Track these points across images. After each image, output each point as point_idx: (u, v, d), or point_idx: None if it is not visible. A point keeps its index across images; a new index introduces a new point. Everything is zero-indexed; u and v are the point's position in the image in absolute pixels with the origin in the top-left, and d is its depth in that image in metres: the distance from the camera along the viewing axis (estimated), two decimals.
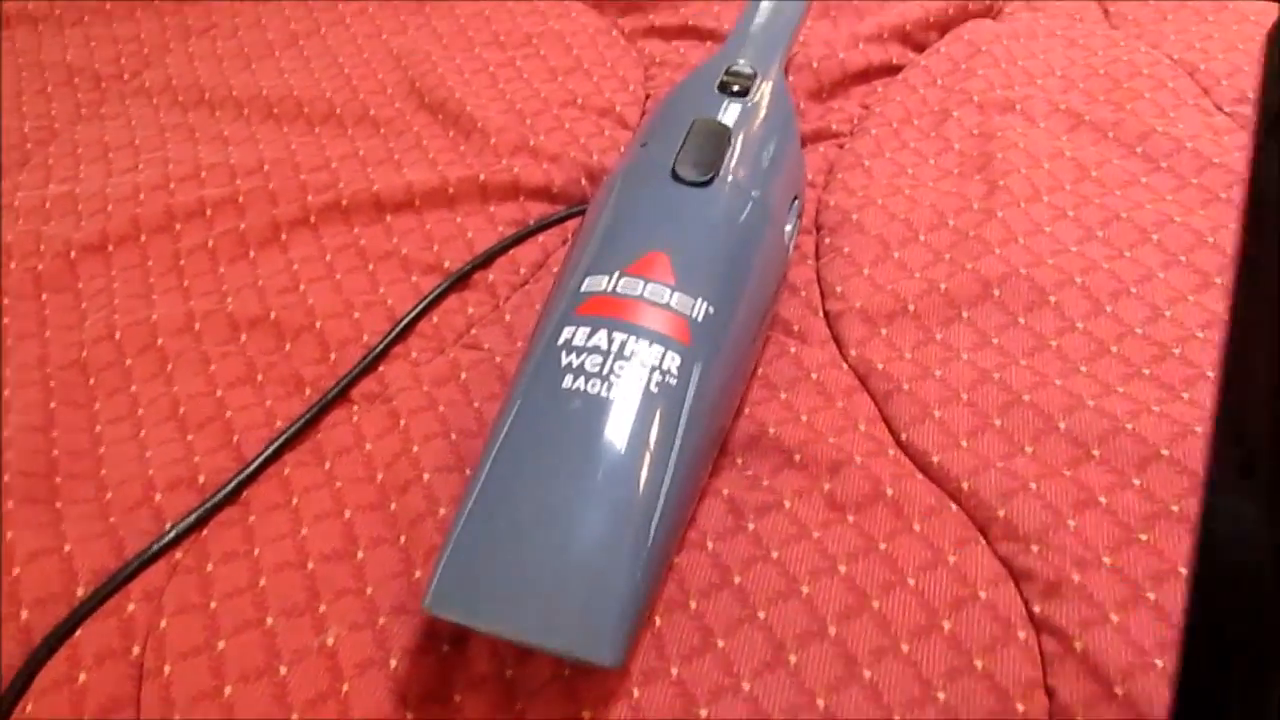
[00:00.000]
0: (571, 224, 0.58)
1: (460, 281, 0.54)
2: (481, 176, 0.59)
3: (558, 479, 0.37)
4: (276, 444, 0.45)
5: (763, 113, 0.52)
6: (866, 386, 0.47)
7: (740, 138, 0.49)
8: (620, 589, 0.35)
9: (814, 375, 0.47)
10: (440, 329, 0.52)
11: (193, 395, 0.48)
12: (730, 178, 0.47)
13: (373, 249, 0.56)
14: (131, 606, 0.40)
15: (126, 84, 0.72)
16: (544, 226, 0.57)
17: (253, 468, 0.44)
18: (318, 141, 0.64)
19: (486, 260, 0.55)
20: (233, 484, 0.44)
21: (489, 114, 0.64)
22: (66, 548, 0.42)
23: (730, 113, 0.50)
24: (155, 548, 0.41)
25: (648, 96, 0.67)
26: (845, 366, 0.48)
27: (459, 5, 0.75)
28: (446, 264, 0.55)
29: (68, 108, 0.71)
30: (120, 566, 0.41)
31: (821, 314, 0.51)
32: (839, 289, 0.51)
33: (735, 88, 0.52)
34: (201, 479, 0.44)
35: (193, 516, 0.42)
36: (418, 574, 0.40)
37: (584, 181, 0.60)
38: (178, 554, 0.42)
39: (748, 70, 0.53)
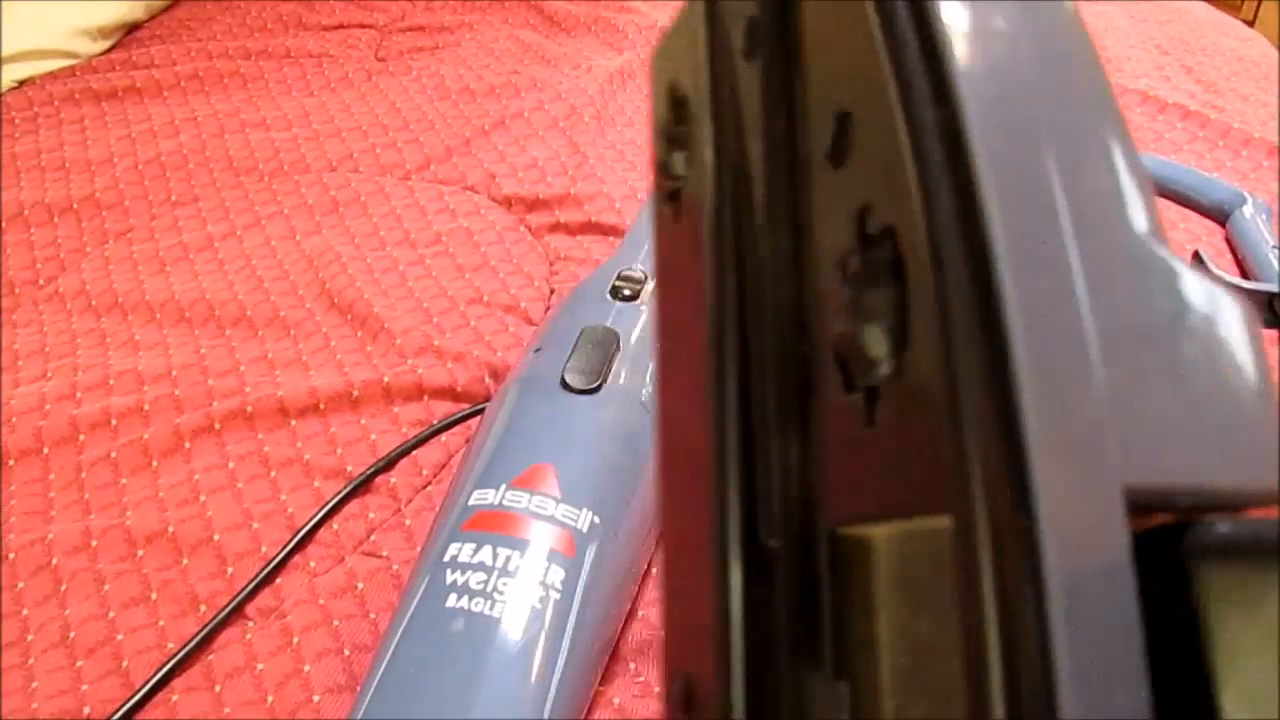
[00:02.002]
0: (474, 423, 0.59)
1: (362, 486, 0.54)
2: (386, 378, 0.60)
3: (440, 705, 0.37)
4: (164, 669, 0.45)
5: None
6: None
7: (630, 342, 0.51)
8: None
9: None
10: (340, 536, 0.52)
11: (85, 618, 0.48)
12: (621, 382, 0.49)
13: (276, 455, 0.56)
14: None
15: (41, 290, 0.73)
16: (445, 427, 0.58)
17: (137, 697, 0.44)
18: (228, 344, 0.65)
19: (389, 464, 0.56)
20: (116, 716, 0.43)
21: (396, 314, 0.65)
22: None
23: (621, 318, 0.52)
24: None
25: (552, 291, 0.69)
26: None
27: (373, 205, 0.78)
28: (349, 468, 0.55)
29: None
30: None
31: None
32: None
33: (626, 292, 0.54)
34: (87, 710, 0.44)
35: None
36: None
37: (488, 379, 0.61)
38: None
39: (638, 274, 0.56)
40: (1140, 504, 0.12)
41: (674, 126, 0.19)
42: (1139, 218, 0.15)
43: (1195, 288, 0.15)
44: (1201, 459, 0.13)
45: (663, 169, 0.19)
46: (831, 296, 0.15)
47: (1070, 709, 0.11)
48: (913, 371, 0.13)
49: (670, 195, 0.19)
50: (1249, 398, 0.14)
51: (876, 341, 0.14)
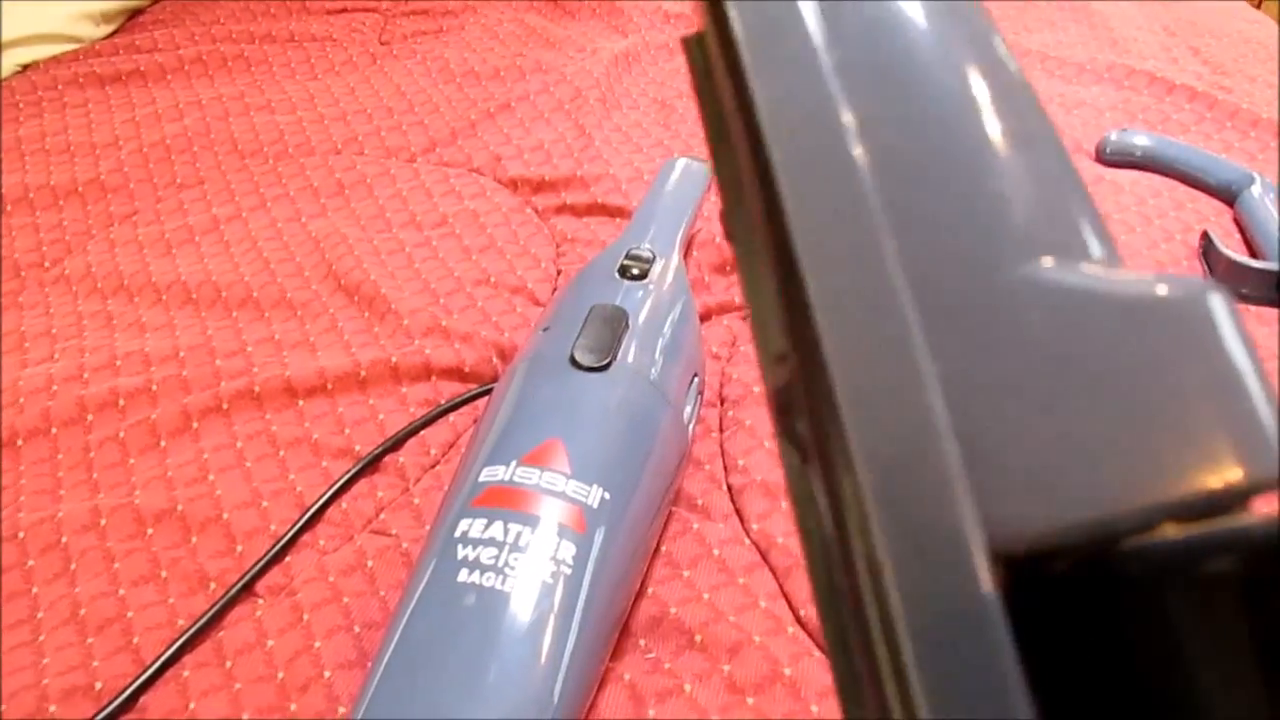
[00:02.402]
0: (482, 403, 0.59)
1: (370, 466, 0.54)
2: (394, 358, 0.60)
3: (452, 679, 0.37)
4: (175, 646, 0.45)
5: (661, 294, 0.54)
6: (767, 561, 0.48)
7: (638, 321, 0.51)
8: None
9: (716, 551, 0.48)
10: (349, 515, 0.52)
11: (94, 596, 0.48)
12: (629, 361, 0.48)
13: (284, 435, 0.56)
14: None
15: (47, 272, 0.73)
16: (453, 407, 0.58)
17: (149, 672, 0.44)
18: (235, 326, 0.65)
19: (397, 443, 0.56)
20: (128, 691, 0.43)
21: (403, 295, 0.65)
22: None
23: (629, 297, 0.52)
24: None
25: (559, 273, 0.69)
26: (747, 542, 0.49)
27: (378, 187, 0.78)
28: (357, 448, 0.55)
29: None
30: None
31: (725, 488, 0.52)
32: (741, 462, 0.53)
33: (635, 271, 0.54)
34: (98, 686, 0.44)
35: None
36: None
37: (495, 360, 0.61)
38: None
39: (647, 253, 0.55)
40: (1021, 552, 0.12)
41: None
42: (1006, 242, 0.14)
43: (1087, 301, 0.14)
44: (1119, 476, 0.13)
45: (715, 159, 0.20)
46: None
47: None
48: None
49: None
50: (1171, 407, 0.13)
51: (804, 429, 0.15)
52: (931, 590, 0.12)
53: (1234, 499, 0.12)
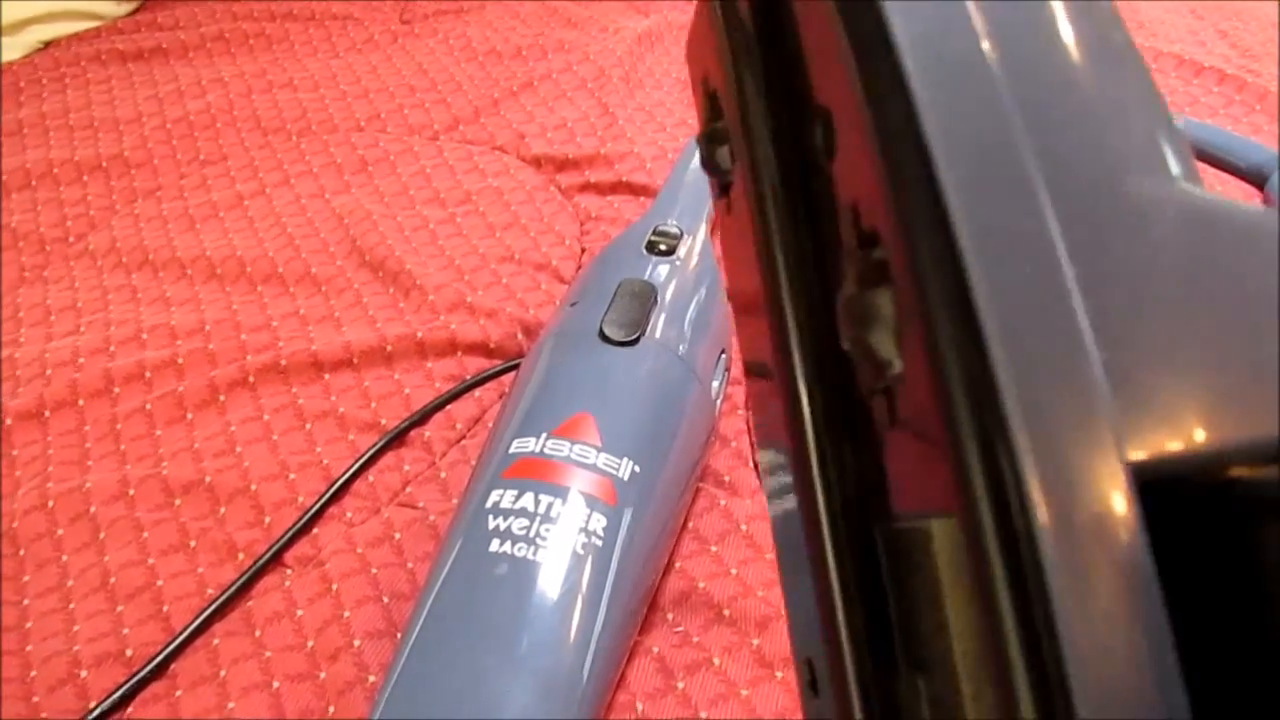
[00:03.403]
0: (508, 378, 0.59)
1: (396, 439, 0.54)
2: (419, 334, 0.60)
3: (483, 648, 0.37)
4: (205, 614, 0.45)
5: (689, 270, 0.54)
6: None
7: (666, 296, 0.51)
8: None
9: (743, 527, 0.48)
10: (376, 488, 0.52)
11: (124, 564, 0.48)
12: (657, 336, 0.48)
13: (310, 408, 0.56)
14: None
15: (72, 246, 0.74)
16: (479, 382, 0.58)
17: (180, 640, 0.44)
18: (259, 300, 0.65)
19: (423, 417, 0.56)
20: (159, 657, 0.43)
21: (428, 271, 0.65)
22: None
23: (657, 272, 0.52)
24: None
25: (583, 251, 0.69)
26: None
27: (401, 164, 0.78)
28: (383, 422, 0.55)
29: (11, 271, 0.72)
30: None
31: (752, 464, 0.52)
32: None
33: (662, 247, 0.54)
34: (129, 652, 0.44)
35: (117, 693, 0.42)
36: None
37: (520, 336, 0.61)
38: None
39: (674, 229, 0.55)
40: (1161, 474, 0.12)
41: (714, 123, 0.19)
42: (1138, 157, 0.14)
43: (1222, 221, 0.14)
44: (1223, 413, 0.12)
45: (711, 165, 0.19)
46: (848, 295, 0.15)
47: (1086, 708, 0.11)
48: (911, 375, 0.13)
49: (722, 189, 0.19)
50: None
51: (884, 342, 0.14)
52: (1075, 503, 0.11)
53: None
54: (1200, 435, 0.12)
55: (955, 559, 0.13)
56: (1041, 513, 0.11)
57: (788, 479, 0.17)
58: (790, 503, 0.17)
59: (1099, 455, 0.12)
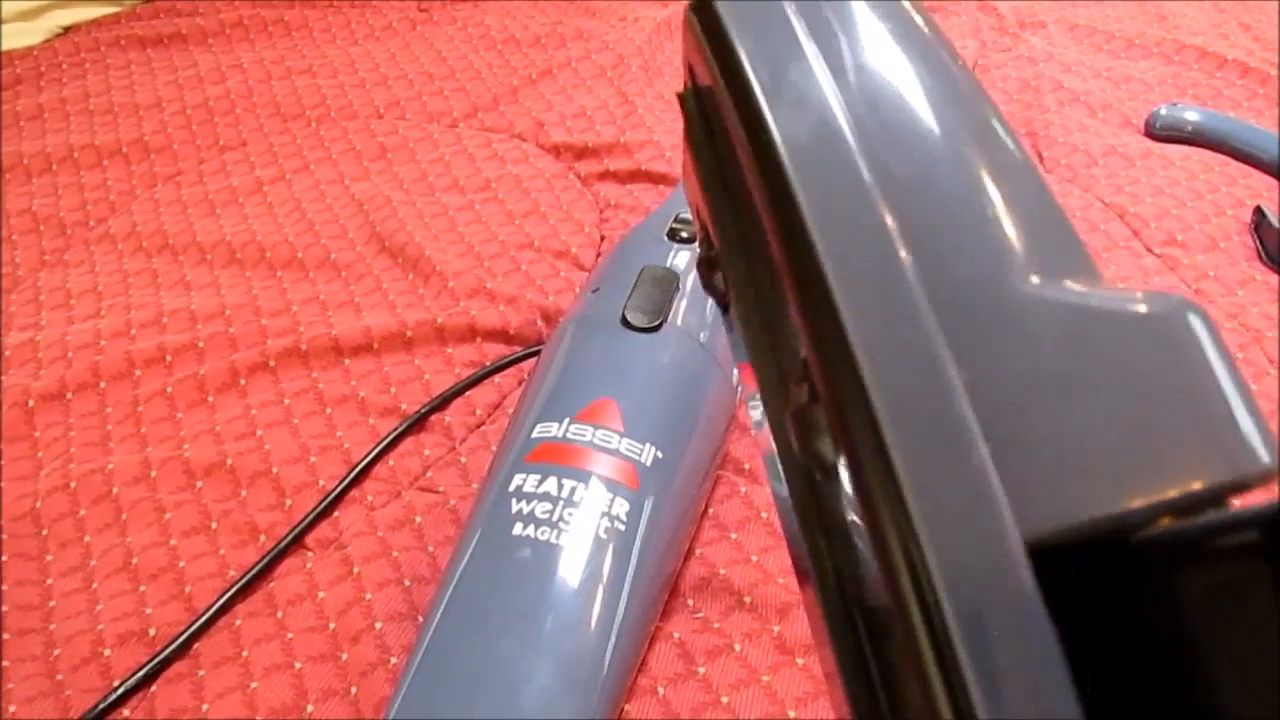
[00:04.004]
0: (528, 364, 0.59)
1: (417, 424, 0.55)
2: (439, 319, 0.60)
3: (507, 630, 0.37)
4: (227, 595, 0.45)
5: None
6: None
7: (688, 283, 0.51)
8: None
9: (764, 515, 0.48)
10: (396, 472, 0.52)
11: (146, 545, 0.48)
12: (678, 323, 0.48)
13: (331, 392, 0.56)
14: None
15: (92, 231, 0.74)
16: (499, 368, 0.58)
17: (203, 620, 0.44)
18: (279, 286, 0.66)
19: (443, 402, 0.56)
20: (182, 637, 0.43)
21: (447, 257, 0.65)
22: (12, 709, 0.41)
23: (678, 259, 0.52)
24: (101, 706, 0.41)
25: (603, 239, 0.69)
26: None
27: (420, 151, 0.78)
28: (403, 406, 0.56)
29: (32, 255, 0.72)
30: None
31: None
32: None
33: (683, 234, 0.54)
34: (152, 632, 0.44)
35: (141, 672, 0.42)
36: None
37: (540, 323, 0.61)
38: (125, 711, 0.41)
39: None
40: (1061, 543, 0.13)
41: (708, 251, 0.22)
42: (1014, 261, 0.16)
43: (1091, 312, 0.15)
44: (1118, 479, 0.14)
45: (710, 288, 0.22)
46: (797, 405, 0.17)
47: None
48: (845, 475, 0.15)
49: (724, 309, 0.22)
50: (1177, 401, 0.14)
51: (826, 448, 0.16)
52: (976, 580, 0.13)
53: (1216, 495, 0.14)
54: (1069, 507, 0.14)
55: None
56: (939, 583, 0.13)
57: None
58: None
59: (987, 532, 0.13)
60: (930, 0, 0.92)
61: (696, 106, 0.20)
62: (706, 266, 0.21)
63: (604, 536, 0.40)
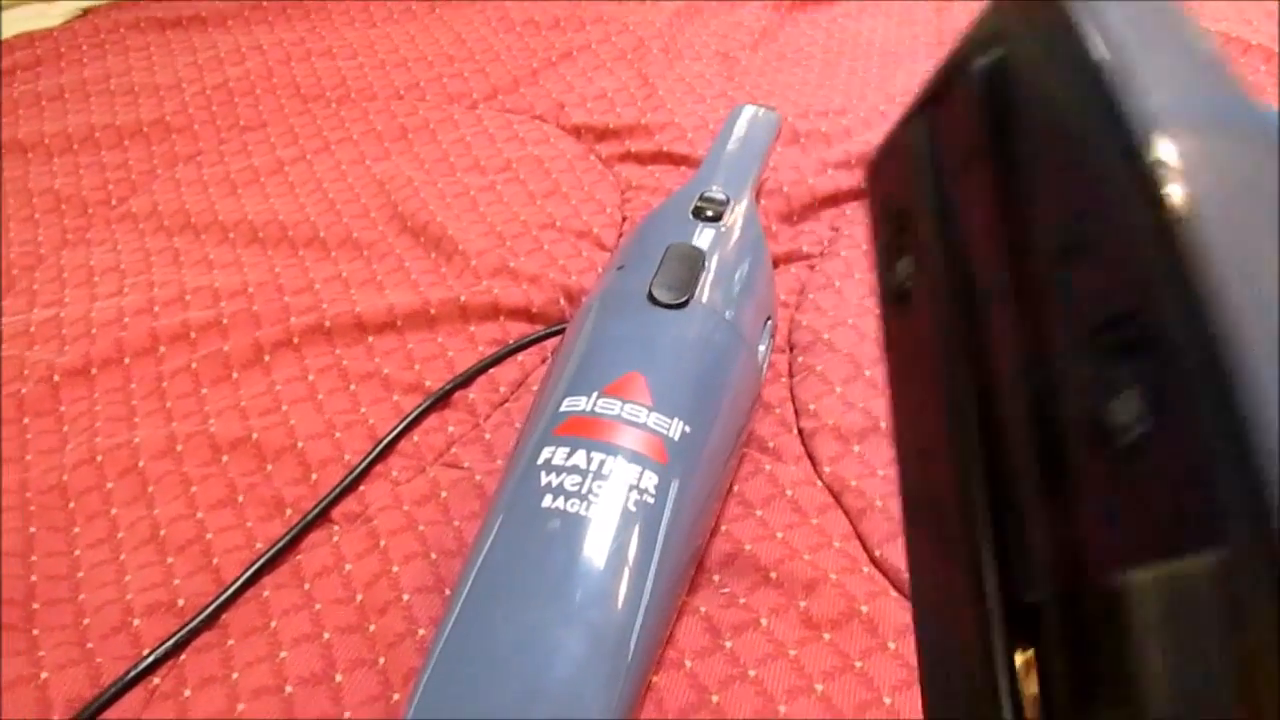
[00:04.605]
0: (550, 343, 0.59)
1: (441, 401, 0.55)
2: (462, 297, 0.60)
3: (537, 600, 0.38)
4: (255, 566, 0.45)
5: (735, 237, 0.54)
6: (840, 503, 0.48)
7: (713, 261, 0.50)
8: (598, 712, 0.35)
9: (789, 492, 0.48)
10: (421, 448, 0.52)
11: (173, 518, 0.48)
12: (704, 300, 0.48)
13: (355, 369, 0.56)
14: None
15: (113, 210, 0.74)
16: (523, 346, 0.58)
17: (231, 591, 0.44)
18: (302, 264, 0.66)
19: (467, 380, 0.56)
20: (211, 607, 0.44)
21: (469, 237, 0.65)
22: (43, 675, 0.42)
23: (704, 237, 0.52)
24: (132, 674, 0.41)
25: (624, 219, 0.69)
26: (819, 484, 0.49)
27: (441, 132, 0.78)
28: (427, 383, 0.56)
29: (54, 234, 0.72)
30: (96, 694, 0.41)
31: (795, 431, 0.52)
32: (812, 407, 0.53)
33: (709, 213, 0.54)
34: (180, 603, 0.45)
35: (170, 641, 0.42)
36: (396, 697, 0.40)
37: (562, 301, 0.61)
38: (155, 679, 0.42)
39: (720, 196, 0.55)
40: None
41: (898, 235, 0.21)
42: None
43: None
44: None
45: (889, 273, 0.21)
46: (1080, 369, 0.16)
47: None
48: (1169, 433, 0.14)
49: (900, 296, 0.21)
50: None
51: (1128, 408, 0.14)
52: None
53: None
54: None
55: (1167, 610, 0.14)
56: None
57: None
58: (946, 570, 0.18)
59: None
60: (956, 20, 0.92)
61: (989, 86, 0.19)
62: (891, 252, 0.21)
63: (633, 509, 0.40)
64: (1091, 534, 0.15)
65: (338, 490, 0.49)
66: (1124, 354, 0.15)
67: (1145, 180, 0.14)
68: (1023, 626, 0.16)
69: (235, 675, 0.41)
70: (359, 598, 0.44)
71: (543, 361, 0.58)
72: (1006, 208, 0.18)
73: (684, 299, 0.47)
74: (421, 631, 0.42)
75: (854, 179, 0.70)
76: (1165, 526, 0.14)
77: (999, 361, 0.18)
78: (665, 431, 0.42)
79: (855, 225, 0.66)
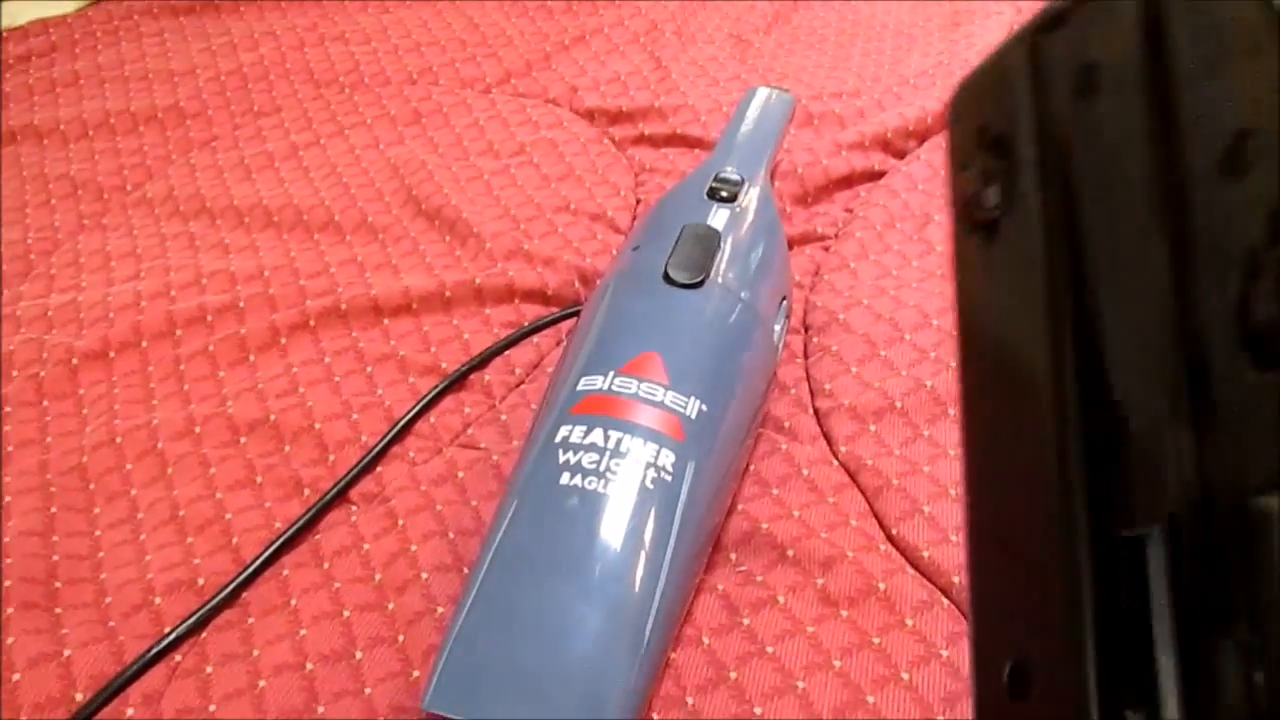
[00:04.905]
0: (566, 325, 0.59)
1: (457, 382, 0.55)
2: (477, 280, 0.60)
3: (555, 576, 0.38)
4: (275, 545, 0.46)
5: (750, 217, 0.54)
6: (857, 482, 0.48)
7: (729, 241, 0.50)
8: (617, 687, 0.36)
9: (805, 472, 0.48)
10: (437, 429, 0.53)
11: (192, 499, 0.49)
12: (720, 280, 0.48)
13: (371, 351, 0.57)
14: (130, 711, 0.40)
15: (129, 195, 0.74)
16: (539, 328, 0.58)
17: (251, 569, 0.44)
18: (317, 248, 0.66)
19: (483, 361, 0.56)
20: (232, 586, 0.44)
21: (484, 220, 0.66)
22: (66, 653, 0.42)
23: (719, 218, 0.52)
24: (154, 651, 0.42)
25: (638, 202, 0.69)
26: (835, 463, 0.49)
27: (455, 117, 0.78)
28: (443, 365, 0.56)
29: (71, 219, 0.72)
30: (119, 671, 0.41)
31: (811, 411, 0.52)
32: (828, 387, 0.53)
33: (723, 194, 0.54)
34: (201, 582, 0.45)
35: (192, 619, 0.43)
36: (415, 674, 0.41)
37: (577, 284, 0.61)
38: (177, 657, 0.42)
39: (735, 177, 0.55)
40: None
41: (991, 162, 0.20)
42: None
43: None
44: None
45: (973, 202, 0.20)
46: (1229, 288, 0.16)
47: None
48: None
49: (985, 225, 0.20)
50: None
51: None
52: None
53: None
54: None
55: None
56: None
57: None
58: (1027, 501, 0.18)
59: None
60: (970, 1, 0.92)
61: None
62: (979, 178, 0.20)
63: (650, 487, 0.40)
64: (1235, 453, 0.15)
65: (355, 470, 0.49)
66: None
67: None
68: (1110, 558, 0.16)
69: (256, 652, 0.42)
70: (378, 576, 0.44)
71: (558, 344, 0.58)
72: (1156, 120, 0.17)
73: (699, 279, 0.47)
74: (440, 609, 0.43)
75: (869, 160, 0.69)
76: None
77: (1120, 283, 0.17)
78: (682, 410, 0.42)
79: (870, 207, 0.66)
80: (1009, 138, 0.20)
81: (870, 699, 0.39)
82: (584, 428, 0.42)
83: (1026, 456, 0.18)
